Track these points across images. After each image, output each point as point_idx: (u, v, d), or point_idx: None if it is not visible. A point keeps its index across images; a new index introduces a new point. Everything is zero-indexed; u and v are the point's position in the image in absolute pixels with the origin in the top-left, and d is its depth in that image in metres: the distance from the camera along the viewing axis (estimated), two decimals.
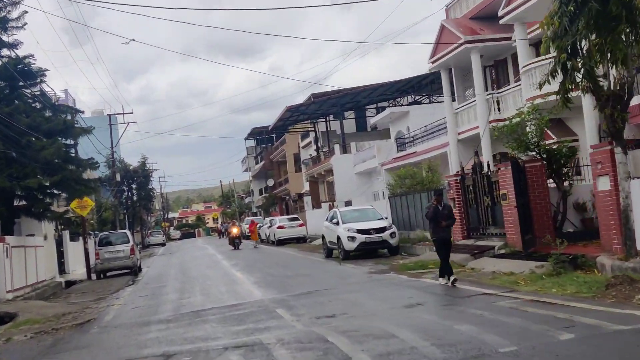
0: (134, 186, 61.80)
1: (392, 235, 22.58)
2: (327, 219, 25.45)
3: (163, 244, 67.55)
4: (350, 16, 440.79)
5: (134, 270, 27.62)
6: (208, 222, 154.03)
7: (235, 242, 38.88)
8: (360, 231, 22.49)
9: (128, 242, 27.59)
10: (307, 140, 59.87)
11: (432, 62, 26.84)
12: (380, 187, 39.21)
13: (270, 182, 69.55)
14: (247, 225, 45.48)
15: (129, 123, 50.47)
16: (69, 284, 27.11)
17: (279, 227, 39.55)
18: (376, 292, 13.19)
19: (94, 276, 27.74)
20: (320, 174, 48.66)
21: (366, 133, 54.15)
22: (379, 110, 55.21)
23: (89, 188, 23.12)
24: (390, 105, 52.26)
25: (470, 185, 19.67)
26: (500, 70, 26.16)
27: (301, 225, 40.01)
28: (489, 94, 23.96)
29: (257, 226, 40.28)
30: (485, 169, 18.81)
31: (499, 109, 23.51)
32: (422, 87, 44.19)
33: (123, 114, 48.35)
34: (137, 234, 70.66)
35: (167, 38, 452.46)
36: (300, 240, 39.69)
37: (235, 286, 17.85)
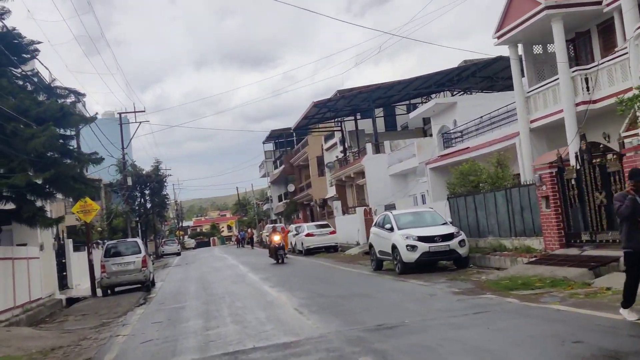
0: (147, 192, 57.93)
1: (462, 243, 18.37)
2: (375, 225, 21.31)
3: (178, 254, 63.62)
4: (364, 22, 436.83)
5: (147, 285, 23.57)
6: (223, 231, 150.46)
7: (279, 254, 29.61)
8: (422, 238, 18.31)
9: (139, 252, 23.57)
10: (331, 142, 55.79)
11: (499, 37, 22.67)
12: (420, 189, 35.03)
13: (291, 188, 65.51)
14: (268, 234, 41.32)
15: (140, 122, 46.59)
16: (71, 301, 23.17)
17: (308, 235, 35.44)
18: (501, 328, 9.00)
19: (99, 292, 23.73)
20: (349, 177, 44.51)
21: (397, 133, 50.02)
22: (411, 108, 51.24)
23: (90, 187, 19.07)
24: (423, 101, 48.18)
25: (571, 179, 15.44)
26: (582, 45, 21.94)
27: (332, 232, 35.88)
28: (576, 71, 19.71)
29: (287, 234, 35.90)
30: (584, 157, 14.58)
31: (587, 89, 19.29)
32: (463, 80, 39.97)
33: (135, 112, 44.49)
34: (151, 243, 66.85)
35: (181, 47, 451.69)
36: (330, 250, 35.59)
37: (276, 310, 13.70)
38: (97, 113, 23.86)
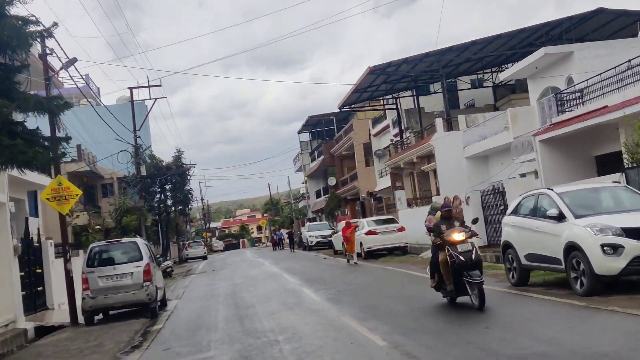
0: (167, 186, 50.34)
1: None
2: (515, 213, 13.12)
3: (204, 257, 55.92)
4: (391, 23, 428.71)
5: (152, 309, 15.67)
6: (252, 232, 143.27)
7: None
8: (632, 232, 10.15)
9: (140, 258, 15.66)
10: (380, 126, 47.64)
11: None
12: (515, 171, 26.68)
13: (332, 181, 57.45)
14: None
15: (156, 99, 38.88)
16: (44, 331, 15.51)
17: (369, 234, 27.31)
18: None
19: (82, 318, 15.88)
20: (410, 163, 36.32)
21: (460, 111, 41.77)
22: (476, 83, 42.91)
23: (46, 151, 11.20)
24: (497, 71, 39.80)
25: None
26: None
27: (401, 229, 27.72)
28: None
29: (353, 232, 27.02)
30: None
31: None
32: (554, 40, 31.53)
33: (149, 86, 36.74)
34: (174, 245, 59.30)
35: (209, 50, 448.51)
36: (397, 251, 27.50)
37: None
38: (75, 59, 16.08)
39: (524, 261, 12.52)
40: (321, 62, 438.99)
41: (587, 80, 21.15)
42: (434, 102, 41.94)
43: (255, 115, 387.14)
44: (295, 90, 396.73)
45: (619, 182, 13.12)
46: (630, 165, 14.49)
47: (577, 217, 10.98)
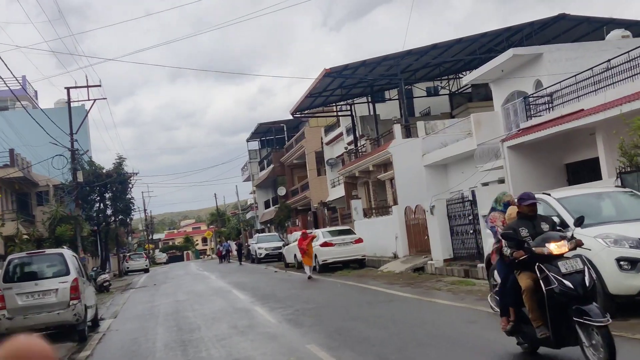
0: (107, 195, 47.44)
1: None
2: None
3: (146, 270, 53.06)
4: (340, 37, 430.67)
5: (80, 331, 13.47)
6: (197, 244, 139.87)
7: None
8: None
9: (66, 272, 13.41)
10: (333, 134, 46.07)
11: None
12: (475, 179, 25.30)
13: (282, 191, 55.48)
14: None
15: (95, 100, 36.26)
16: None
17: (325, 245, 25.45)
18: None
19: None
20: (365, 171, 34.73)
21: (414, 120, 40.52)
22: (432, 91, 41.77)
23: None
24: (455, 77, 38.73)
25: None
26: None
27: (358, 241, 25.94)
28: None
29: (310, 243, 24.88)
30: None
31: None
32: (515, 45, 30.52)
33: (87, 87, 34.07)
34: (114, 258, 56.27)
35: (156, 60, 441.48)
36: (353, 264, 25.79)
37: None
38: None
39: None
40: (270, 73, 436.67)
41: (559, 82, 19.88)
42: (389, 109, 40.61)
43: (203, 126, 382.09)
44: (243, 101, 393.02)
45: (624, 187, 11.61)
46: (624, 170, 13.02)
47: (583, 226, 9.38)
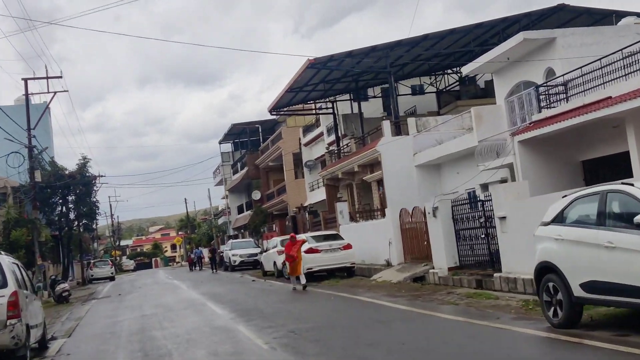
0: (70, 198, 44.29)
1: None
2: (554, 220, 9.07)
3: (112, 278, 49.84)
4: (311, 44, 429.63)
5: (21, 357, 10.77)
6: (166, 250, 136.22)
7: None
8: None
9: (2, 285, 10.68)
10: (312, 135, 43.65)
11: None
12: (476, 180, 23.02)
13: (257, 195, 52.81)
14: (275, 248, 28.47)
15: (56, 92, 33.23)
16: None
17: (310, 252, 22.88)
18: None
19: None
20: (350, 173, 32.33)
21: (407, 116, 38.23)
22: (416, 89, 39.53)
23: None
24: (449, 74, 36.62)
25: None
26: None
27: (347, 247, 23.42)
28: None
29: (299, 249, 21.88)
30: None
31: None
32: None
33: (47, 78, 31.04)
34: (78, 265, 52.99)
35: (125, 65, 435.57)
36: (340, 272, 23.35)
37: None
38: None
39: (578, 292, 8.47)
40: (241, 80, 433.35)
41: (580, 68, 17.65)
42: (373, 108, 38.31)
43: (172, 132, 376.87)
44: (213, 107, 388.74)
45: None
46: None
47: None
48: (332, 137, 38.51)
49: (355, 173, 32.02)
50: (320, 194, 41.01)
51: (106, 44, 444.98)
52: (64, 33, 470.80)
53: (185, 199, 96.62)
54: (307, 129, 44.76)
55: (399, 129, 28.24)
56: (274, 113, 38.02)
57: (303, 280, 20.20)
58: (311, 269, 22.78)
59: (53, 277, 28.78)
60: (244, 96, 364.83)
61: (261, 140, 54.89)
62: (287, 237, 28.88)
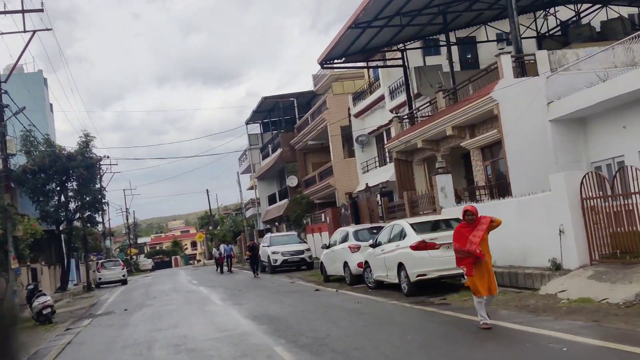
0: (70, 185, 36.04)
1: None
2: None
3: (123, 282, 41.68)
4: (328, 39, 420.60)
5: None
6: (186, 248, 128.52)
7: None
8: None
9: None
10: (364, 103, 35.03)
11: None
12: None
13: (293, 181, 44.36)
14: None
15: (34, 31, 24.73)
16: None
17: (419, 247, 14.25)
18: None
19: None
20: (434, 141, 23.77)
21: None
22: (504, 37, 30.72)
23: None
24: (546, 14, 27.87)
25: None
26: None
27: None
28: None
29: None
30: None
31: None
32: None
33: (22, 11, 22.35)
34: (83, 265, 44.79)
35: (143, 64, 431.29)
36: (443, 280, 14.70)
37: None
38: None
39: None
40: (258, 77, 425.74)
41: None
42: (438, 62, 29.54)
43: (191, 130, 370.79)
44: (231, 106, 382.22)
45: None
46: None
47: None
48: (398, 100, 29.94)
49: (443, 140, 23.42)
50: (376, 176, 32.54)
51: (125, 43, 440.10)
52: (84, 32, 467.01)
53: (207, 190, 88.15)
54: (359, 96, 36.15)
55: (522, 67, 19.56)
56: (326, 65, 29.29)
57: (484, 312, 9.70)
58: (424, 275, 14.19)
59: (31, 286, 20.45)
60: (261, 93, 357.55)
61: (297, 116, 46.32)
62: (361, 226, 20.49)
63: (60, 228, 36.10)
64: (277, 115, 50.80)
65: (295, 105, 46.56)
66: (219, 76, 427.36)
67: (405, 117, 27.46)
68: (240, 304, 17.12)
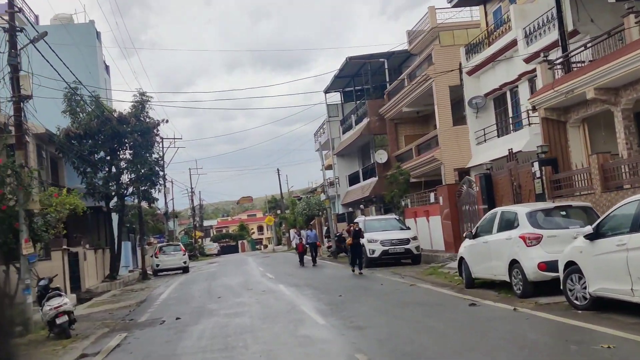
0: (122, 154, 30.29)
1: None
2: None
3: (185, 269, 35.80)
4: (397, 25, 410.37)
5: None
6: (253, 232, 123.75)
7: None
8: None
9: None
10: (482, 56, 27.65)
11: None
12: None
13: (383, 157, 37.43)
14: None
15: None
16: None
17: None
18: None
19: None
20: (614, 90, 16.50)
21: None
22: None
23: None
24: None
25: None
26: None
27: None
28: None
29: None
30: None
31: None
32: None
33: None
34: (140, 249, 39.18)
35: (214, 50, 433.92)
36: None
37: None
38: None
39: None
40: (326, 63, 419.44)
41: None
42: None
43: (259, 116, 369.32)
44: (299, 92, 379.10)
45: None
46: None
47: None
48: (537, 45, 22.60)
49: (630, 86, 16.09)
50: (496, 148, 25.43)
51: (196, 29, 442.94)
52: (158, 19, 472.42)
53: (277, 169, 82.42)
54: (473, 48, 28.86)
55: None
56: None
57: None
58: None
59: (43, 281, 14.38)
60: (328, 79, 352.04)
61: (387, 82, 39.27)
62: (538, 205, 13.64)
63: (111, 205, 30.43)
64: (360, 83, 43.93)
65: (386, 66, 39.51)
66: (287, 62, 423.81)
67: (555, 62, 20.16)
68: (355, 325, 10.40)
